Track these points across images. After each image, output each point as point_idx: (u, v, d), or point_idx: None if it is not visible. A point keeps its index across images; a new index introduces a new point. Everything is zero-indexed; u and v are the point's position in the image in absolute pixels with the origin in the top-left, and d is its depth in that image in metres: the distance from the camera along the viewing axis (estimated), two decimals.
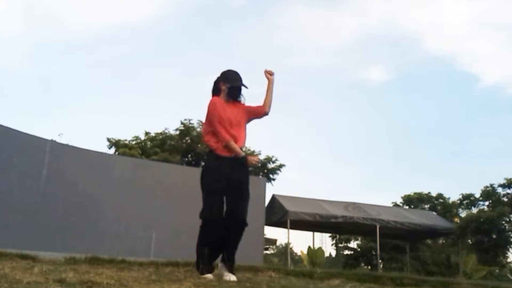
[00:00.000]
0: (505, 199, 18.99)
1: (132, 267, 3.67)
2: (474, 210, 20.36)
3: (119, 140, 16.80)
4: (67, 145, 9.24)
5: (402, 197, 22.71)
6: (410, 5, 48.92)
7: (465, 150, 52.07)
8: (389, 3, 47.76)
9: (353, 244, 23.44)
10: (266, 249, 21.45)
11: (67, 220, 8.23)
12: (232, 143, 3.53)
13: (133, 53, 49.29)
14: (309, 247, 14.91)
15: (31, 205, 7.83)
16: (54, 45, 45.20)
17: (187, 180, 8.88)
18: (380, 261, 17.95)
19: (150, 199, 9.11)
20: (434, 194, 22.34)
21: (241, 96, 3.69)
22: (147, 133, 17.83)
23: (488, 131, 50.51)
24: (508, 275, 16.41)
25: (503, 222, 17.14)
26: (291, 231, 12.80)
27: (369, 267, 20.03)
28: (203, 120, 3.98)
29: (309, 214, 12.73)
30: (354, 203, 14.04)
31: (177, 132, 17.41)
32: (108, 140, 16.73)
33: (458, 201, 21.76)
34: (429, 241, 20.00)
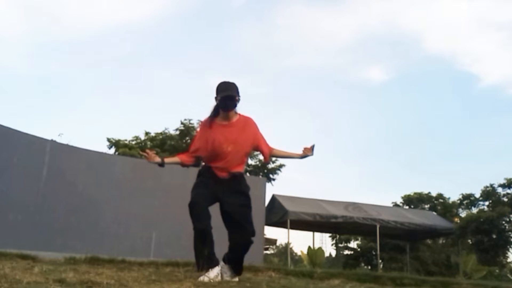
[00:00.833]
0: (505, 199, 19.01)
1: (132, 267, 3.67)
2: (474, 210, 20.40)
3: (119, 140, 16.82)
4: (67, 145, 9.25)
5: (402, 197, 22.75)
6: (410, 5, 49.00)
7: (465, 150, 52.12)
8: (389, 3, 47.82)
9: (353, 244, 23.47)
10: (266, 249, 21.46)
11: (67, 220, 8.24)
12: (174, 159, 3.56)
13: (133, 53, 49.37)
14: (309, 247, 14.93)
15: (31, 205, 7.83)
16: (54, 45, 45.27)
17: (187, 180, 8.85)
18: (380, 261, 17.96)
19: (150, 199, 9.11)
20: (434, 194, 22.39)
21: (233, 106, 3.37)
22: (147, 133, 17.86)
23: (488, 131, 50.59)
24: (508, 275, 16.40)
25: (503, 222, 17.15)
26: (291, 231, 12.82)
27: (369, 267, 20.03)
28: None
29: (309, 214, 12.74)
30: (354, 203, 14.06)
31: (177, 132, 17.42)
32: (108, 140, 16.77)
33: (458, 201, 21.79)
34: (429, 241, 20.01)
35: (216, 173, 3.40)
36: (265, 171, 17.46)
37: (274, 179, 17.53)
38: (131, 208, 8.98)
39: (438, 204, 21.94)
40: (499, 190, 19.68)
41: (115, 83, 48.78)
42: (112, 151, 16.29)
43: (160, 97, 47.19)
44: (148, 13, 48.16)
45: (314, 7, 51.71)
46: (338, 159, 63.23)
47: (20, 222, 7.55)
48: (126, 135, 24.65)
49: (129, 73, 49.10)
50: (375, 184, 55.35)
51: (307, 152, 3.58)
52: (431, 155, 52.37)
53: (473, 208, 21.04)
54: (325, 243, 30.53)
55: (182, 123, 17.22)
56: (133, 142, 17.17)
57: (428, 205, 22.01)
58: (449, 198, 22.13)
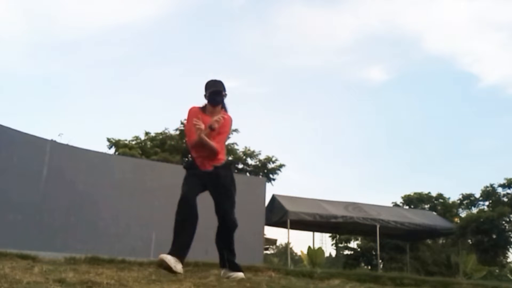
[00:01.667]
0: (505, 199, 19.03)
1: (132, 267, 3.68)
2: (474, 210, 20.41)
3: (119, 140, 16.82)
4: (67, 145, 9.25)
5: (402, 197, 22.75)
6: (410, 5, 48.93)
7: (465, 150, 52.00)
8: (389, 3, 47.81)
9: (353, 244, 23.48)
10: (266, 249, 21.44)
11: (67, 220, 8.23)
12: (203, 137, 3.48)
13: (133, 53, 49.20)
14: (309, 247, 14.93)
15: (31, 205, 7.83)
16: (54, 45, 45.21)
17: None
18: (380, 261, 17.97)
19: (150, 199, 9.10)
20: (434, 194, 22.39)
21: (221, 101, 3.66)
22: (147, 133, 17.85)
23: (488, 131, 50.43)
24: (508, 275, 16.37)
25: (503, 222, 17.16)
26: (291, 231, 12.81)
27: (369, 267, 20.05)
28: None
29: (309, 214, 12.73)
30: (354, 203, 14.05)
31: (177, 132, 17.42)
32: (108, 140, 16.76)
33: (458, 201, 21.79)
34: (429, 241, 20.00)
35: (199, 164, 3.61)
36: (265, 171, 17.46)
37: (274, 179, 17.54)
38: (131, 208, 8.97)
39: (438, 204, 21.94)
40: (499, 190, 19.71)
41: (115, 83, 48.67)
42: (112, 151, 16.30)
43: (160, 97, 47.09)
44: (148, 13, 48.13)
45: (314, 7, 51.68)
46: (338, 159, 63.17)
47: (20, 222, 7.55)
48: (126, 135, 24.65)
49: (129, 73, 49.05)
50: (375, 184, 55.23)
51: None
52: (431, 155, 52.29)
53: (473, 208, 21.06)
54: (325, 243, 30.54)
55: (182, 123, 17.20)
56: (133, 142, 17.16)
57: (428, 205, 22.01)
58: (449, 198, 22.16)
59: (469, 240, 17.70)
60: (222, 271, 3.51)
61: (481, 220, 16.43)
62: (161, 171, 10.03)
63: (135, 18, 48.24)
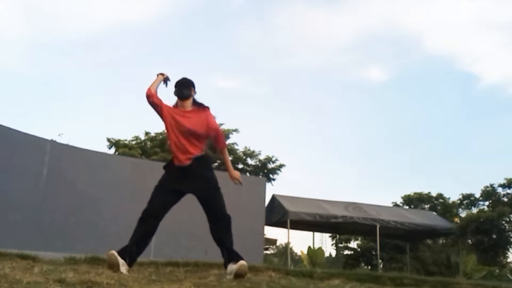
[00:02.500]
0: (505, 199, 19.03)
1: (132, 267, 3.67)
2: (474, 210, 20.41)
3: (119, 140, 16.81)
4: (67, 145, 9.24)
5: (402, 197, 22.76)
6: (410, 5, 48.88)
7: (465, 150, 51.96)
8: (389, 3, 47.75)
9: (353, 244, 23.48)
10: (266, 249, 21.45)
11: (67, 220, 8.23)
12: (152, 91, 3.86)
13: (133, 53, 49.23)
14: (309, 247, 14.94)
15: (31, 205, 7.82)
16: (54, 45, 45.13)
17: None
18: (380, 261, 17.97)
19: None
20: (434, 194, 22.38)
21: (187, 94, 3.80)
22: (147, 133, 17.83)
23: (488, 131, 50.47)
24: (508, 275, 16.38)
25: (503, 222, 17.17)
26: (291, 231, 12.81)
27: (369, 267, 20.05)
28: None
29: (309, 214, 12.74)
30: (354, 203, 14.05)
31: None
32: (108, 140, 16.74)
33: (458, 201, 21.79)
34: (429, 241, 19.99)
35: (175, 162, 3.80)
36: (265, 171, 17.46)
37: (274, 179, 17.54)
38: (131, 208, 8.93)
39: (438, 204, 21.94)
40: (499, 190, 19.71)
41: (115, 83, 48.69)
42: (112, 151, 16.29)
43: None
44: (148, 13, 48.12)
45: (314, 7, 51.64)
46: (338, 159, 63.22)
47: (20, 222, 7.54)
48: (126, 135, 24.61)
49: (129, 73, 49.00)
50: (375, 184, 55.27)
51: (234, 180, 3.94)
52: (431, 155, 52.27)
53: (473, 208, 21.06)
54: (325, 243, 30.58)
55: None
56: (133, 142, 17.15)
57: (428, 205, 22.01)
58: (449, 198, 22.16)
59: (469, 240, 17.72)
60: (228, 269, 3.44)
61: (481, 220, 16.44)
62: (161, 171, 9.98)
63: (135, 18, 48.23)
